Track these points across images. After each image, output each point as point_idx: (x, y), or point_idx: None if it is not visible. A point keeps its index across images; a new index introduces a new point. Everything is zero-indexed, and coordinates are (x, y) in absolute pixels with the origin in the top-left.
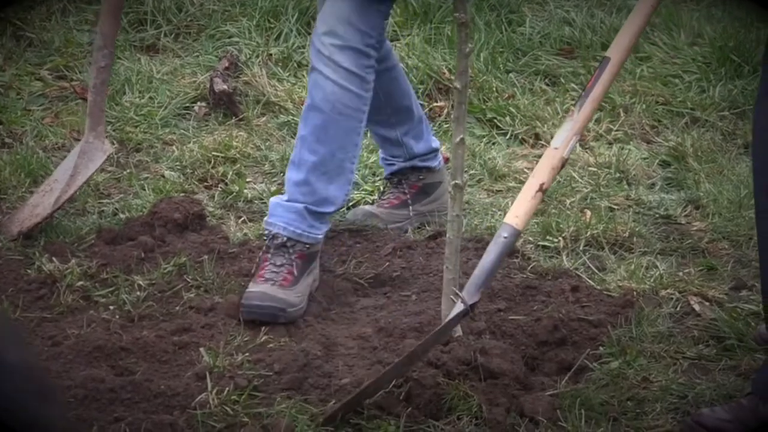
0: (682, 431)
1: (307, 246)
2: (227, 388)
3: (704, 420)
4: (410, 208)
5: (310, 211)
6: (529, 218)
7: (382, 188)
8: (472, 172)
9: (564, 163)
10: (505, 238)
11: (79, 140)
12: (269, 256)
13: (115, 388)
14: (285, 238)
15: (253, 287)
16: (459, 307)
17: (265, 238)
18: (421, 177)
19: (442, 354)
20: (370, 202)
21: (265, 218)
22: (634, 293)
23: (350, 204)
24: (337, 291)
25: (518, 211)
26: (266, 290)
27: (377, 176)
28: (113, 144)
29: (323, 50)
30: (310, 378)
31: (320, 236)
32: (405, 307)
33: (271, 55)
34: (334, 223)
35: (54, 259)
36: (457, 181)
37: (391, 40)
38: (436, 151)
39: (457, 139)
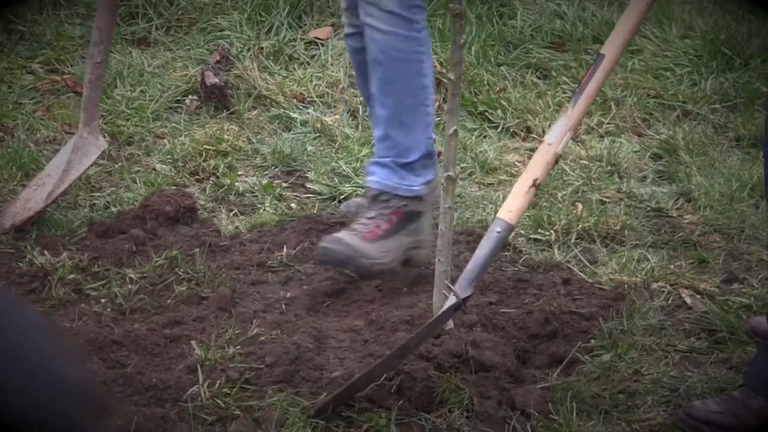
0: (674, 424)
1: (404, 203)
2: (218, 381)
3: (696, 412)
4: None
5: (398, 164)
6: (522, 213)
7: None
8: (463, 165)
9: (557, 158)
10: (498, 232)
11: (71, 134)
12: (364, 210)
13: (106, 381)
14: (377, 191)
15: (339, 234)
16: (451, 301)
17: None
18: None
19: (433, 347)
20: (361, 196)
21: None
22: (626, 286)
23: (342, 196)
24: (330, 284)
25: (511, 206)
26: (343, 236)
27: None
28: (106, 138)
29: (368, 1)
30: (301, 371)
31: (416, 188)
32: (396, 300)
33: (262, 48)
34: (324, 217)
35: (45, 252)
36: (449, 173)
37: None
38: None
39: (450, 131)
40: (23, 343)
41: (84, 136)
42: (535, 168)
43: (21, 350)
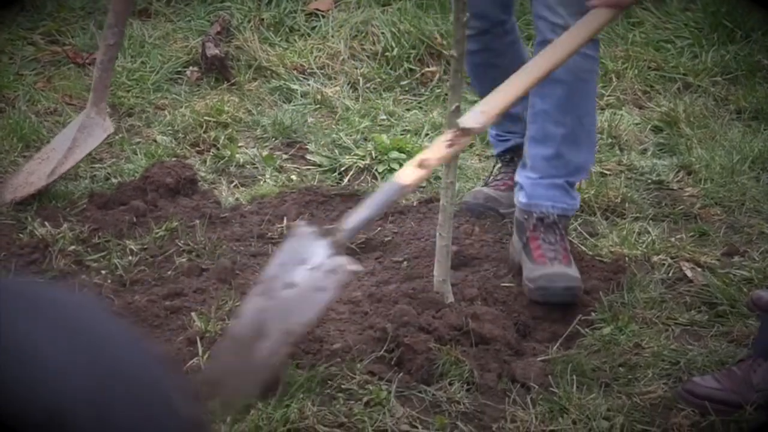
0: (674, 399)
1: (569, 218)
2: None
3: (696, 389)
4: None
5: (570, 183)
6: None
7: (492, 168)
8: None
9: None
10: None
11: (71, 105)
12: (540, 235)
13: None
14: (555, 216)
15: (546, 269)
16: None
17: (524, 218)
18: None
19: (433, 320)
20: (362, 167)
21: (521, 200)
22: (626, 259)
23: (342, 168)
24: None
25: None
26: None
27: (369, 141)
28: (113, 119)
29: (554, 19)
30: (301, 343)
31: (578, 204)
32: (396, 273)
33: (263, 19)
34: (324, 189)
35: (46, 223)
36: None
37: (383, 5)
38: None
39: (453, 107)
40: (141, 377)
41: (92, 116)
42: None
43: (139, 385)
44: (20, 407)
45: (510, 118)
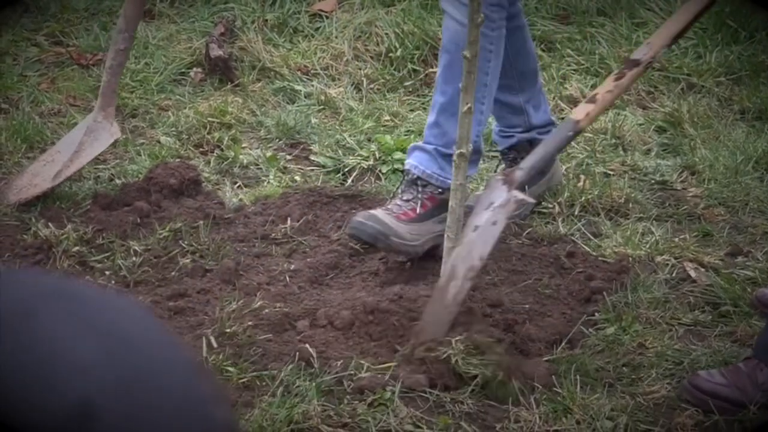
0: (679, 396)
1: (440, 190)
2: (222, 354)
3: (701, 384)
4: (527, 190)
5: (440, 153)
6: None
7: (495, 169)
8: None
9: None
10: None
11: (75, 106)
12: (399, 192)
13: None
14: (415, 176)
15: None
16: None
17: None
18: None
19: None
20: (366, 168)
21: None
22: (630, 259)
23: (346, 169)
24: (333, 256)
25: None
26: (377, 213)
27: (372, 142)
28: (121, 126)
29: None
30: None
31: (450, 181)
32: (401, 274)
33: (266, 20)
34: (328, 190)
35: (50, 224)
36: (462, 150)
37: (387, 6)
38: (552, 124)
39: (465, 108)
40: (174, 377)
41: (99, 120)
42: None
43: (171, 385)
44: (49, 399)
45: (512, 110)
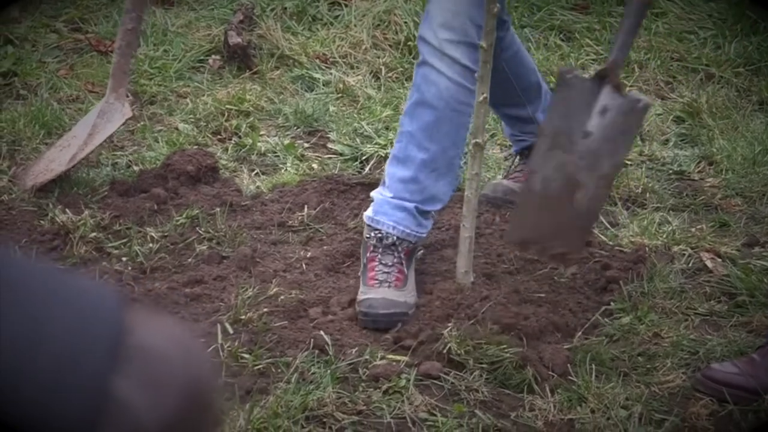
0: (692, 386)
1: (413, 243)
2: (237, 340)
3: (714, 374)
4: None
5: (419, 210)
6: None
7: (510, 161)
8: (486, 126)
9: None
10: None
11: (94, 92)
12: (378, 256)
13: None
14: (395, 238)
15: (371, 292)
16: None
17: (368, 235)
18: None
19: (454, 311)
20: (383, 156)
21: (369, 214)
22: (647, 249)
23: (364, 157)
24: (350, 244)
25: None
26: (386, 295)
27: (390, 130)
28: (132, 106)
29: (437, 44)
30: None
31: (425, 234)
32: (417, 263)
33: (285, 8)
34: (345, 178)
35: (67, 210)
36: (477, 140)
37: None
38: None
39: (480, 98)
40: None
41: (110, 102)
42: None
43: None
44: None
45: (521, 121)
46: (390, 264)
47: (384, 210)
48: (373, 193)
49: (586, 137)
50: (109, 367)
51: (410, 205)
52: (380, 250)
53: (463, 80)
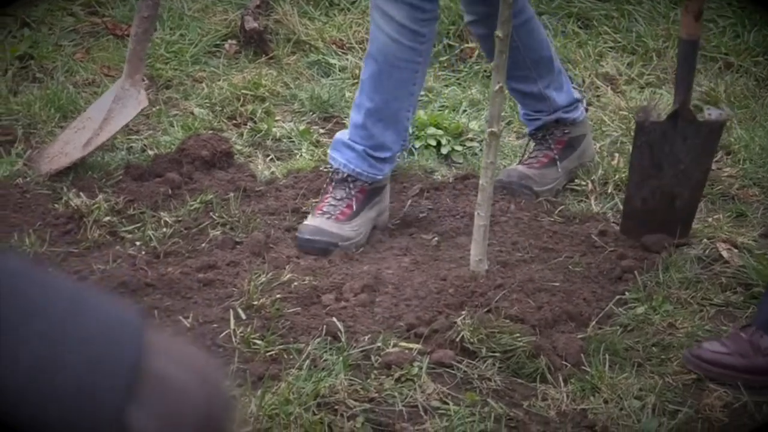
0: (682, 366)
1: (368, 183)
2: (250, 326)
3: (703, 353)
4: (558, 166)
5: (368, 154)
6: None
7: (525, 146)
8: (502, 114)
9: None
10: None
11: (110, 76)
12: (331, 189)
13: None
14: (345, 174)
15: (310, 220)
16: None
17: (328, 169)
18: (566, 131)
19: (467, 299)
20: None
21: (329, 150)
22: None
23: None
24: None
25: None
26: (320, 224)
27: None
28: (148, 92)
29: (378, 2)
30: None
31: (380, 176)
32: (431, 250)
33: None
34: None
35: (81, 194)
36: (493, 129)
37: None
38: (578, 101)
39: (496, 87)
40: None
41: (126, 88)
42: None
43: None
44: None
45: (533, 98)
46: (339, 198)
47: (339, 148)
48: (337, 134)
49: (675, 165)
50: (126, 398)
51: (360, 148)
52: (333, 184)
53: (400, 37)
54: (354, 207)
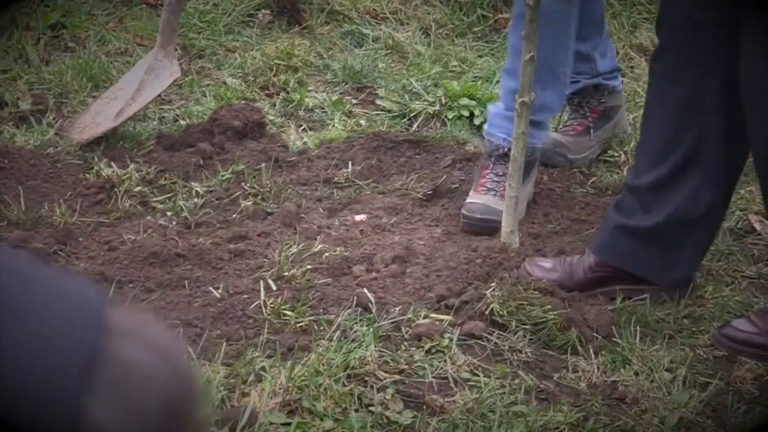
0: (713, 345)
1: (602, 101)
2: (280, 297)
3: (733, 333)
4: (591, 134)
5: (530, 121)
6: None
7: (560, 115)
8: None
9: None
10: None
11: (143, 46)
12: (490, 165)
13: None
14: (506, 149)
15: (475, 198)
16: None
17: (484, 146)
18: (602, 100)
19: (498, 271)
20: (431, 113)
21: (485, 127)
22: None
23: (412, 114)
24: (396, 201)
25: None
26: (488, 202)
27: (439, 87)
28: (180, 62)
29: None
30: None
31: (539, 144)
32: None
33: None
34: (393, 134)
35: (113, 164)
36: (524, 99)
37: None
38: (619, 70)
39: (527, 57)
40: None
41: (159, 59)
42: None
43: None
44: None
45: (580, 57)
46: (501, 174)
47: (496, 122)
48: (488, 106)
49: None
50: (83, 385)
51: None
52: (493, 160)
53: None
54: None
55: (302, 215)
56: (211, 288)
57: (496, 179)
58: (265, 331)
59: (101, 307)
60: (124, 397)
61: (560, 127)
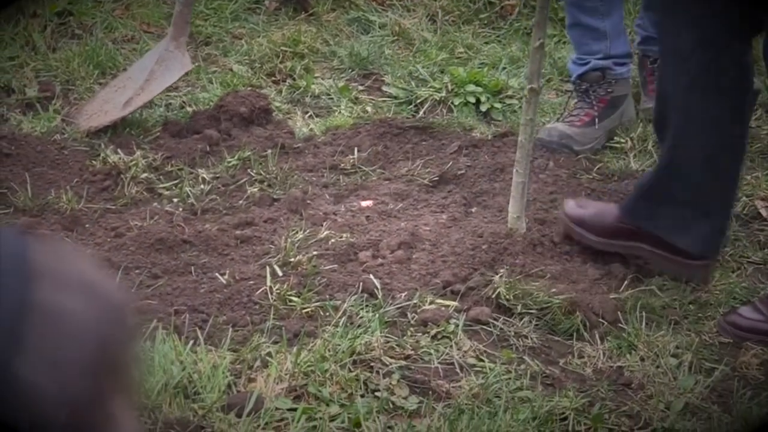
0: (718, 333)
1: (609, 90)
2: (286, 283)
3: (738, 321)
4: (597, 124)
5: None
6: None
7: (566, 103)
8: (542, 71)
9: None
10: None
11: (149, 33)
12: (576, 101)
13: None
14: (587, 85)
15: (550, 124)
16: None
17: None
18: (609, 90)
19: (504, 257)
20: (438, 100)
21: (568, 65)
22: None
23: (418, 101)
24: (402, 188)
25: None
26: (558, 126)
27: (445, 73)
28: (187, 48)
29: None
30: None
31: (619, 75)
32: (470, 207)
33: None
34: (399, 121)
35: (119, 150)
36: (533, 86)
37: None
38: (630, 57)
39: (537, 44)
40: None
41: (171, 50)
42: None
43: None
44: None
45: (595, 35)
46: (580, 107)
47: (574, 69)
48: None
49: None
50: (12, 347)
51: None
52: (578, 95)
53: None
54: (594, 114)
55: (308, 201)
56: (217, 274)
57: (575, 112)
58: (271, 316)
59: (25, 253)
60: (55, 352)
61: (566, 116)
